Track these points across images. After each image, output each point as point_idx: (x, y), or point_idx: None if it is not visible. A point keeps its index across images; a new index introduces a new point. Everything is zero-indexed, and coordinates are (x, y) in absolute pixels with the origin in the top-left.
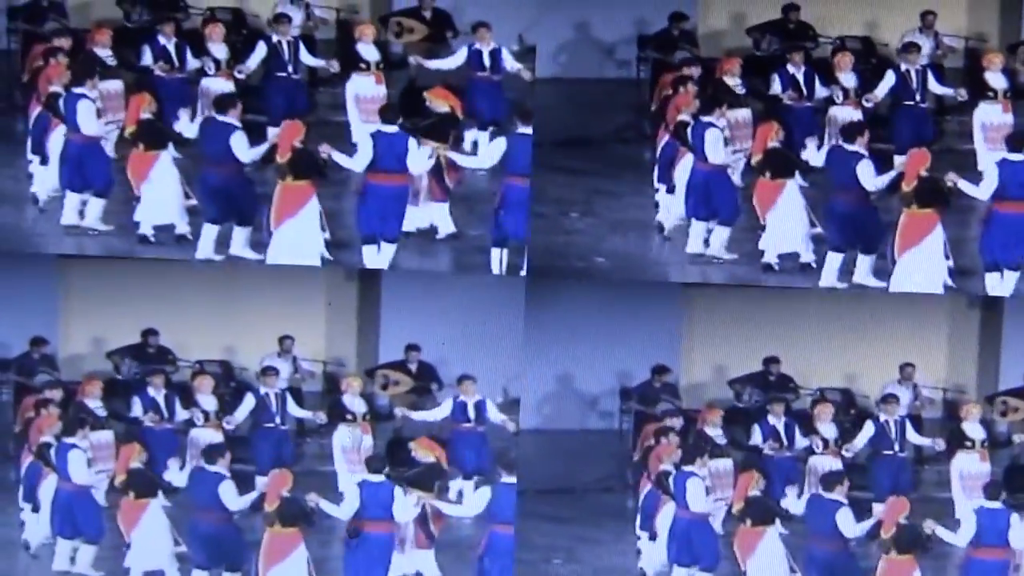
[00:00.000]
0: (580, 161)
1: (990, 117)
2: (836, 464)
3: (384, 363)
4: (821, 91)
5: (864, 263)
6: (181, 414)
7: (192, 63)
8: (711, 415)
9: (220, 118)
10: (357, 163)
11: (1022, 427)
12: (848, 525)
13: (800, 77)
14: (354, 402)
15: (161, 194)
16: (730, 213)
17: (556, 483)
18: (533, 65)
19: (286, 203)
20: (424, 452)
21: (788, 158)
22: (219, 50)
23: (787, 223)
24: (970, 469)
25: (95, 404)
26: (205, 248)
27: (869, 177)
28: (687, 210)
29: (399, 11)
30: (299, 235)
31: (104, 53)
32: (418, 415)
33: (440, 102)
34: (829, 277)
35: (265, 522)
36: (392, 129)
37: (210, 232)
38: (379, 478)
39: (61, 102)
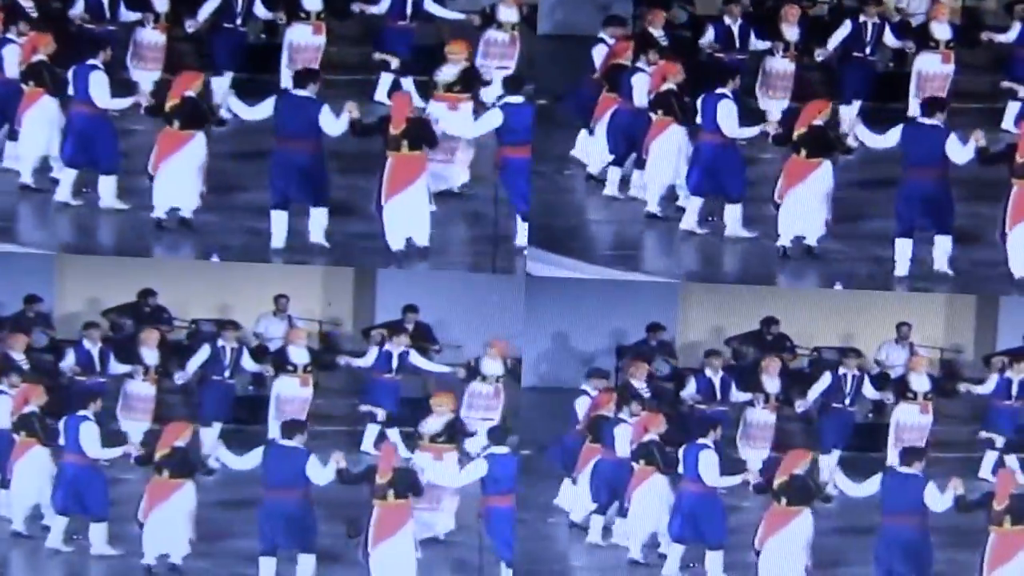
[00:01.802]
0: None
1: (928, 67)
2: (771, 418)
3: (381, 323)
4: (757, 44)
5: (943, 246)
6: (118, 368)
7: (128, 16)
8: (637, 369)
9: (299, 93)
10: (474, 129)
11: None
12: (935, 499)
13: (735, 30)
14: (297, 353)
15: (182, 176)
16: (739, 190)
17: (555, 441)
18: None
19: (399, 176)
20: (443, 406)
21: (831, 139)
22: (162, 3)
23: (808, 206)
24: (909, 420)
25: (19, 357)
26: (278, 238)
27: (957, 151)
28: (689, 186)
29: None
30: (409, 209)
31: (27, 5)
32: (357, 362)
33: (459, 55)
34: (902, 267)
35: (376, 495)
36: (518, 99)
37: (281, 220)
38: (504, 449)
39: (70, 74)
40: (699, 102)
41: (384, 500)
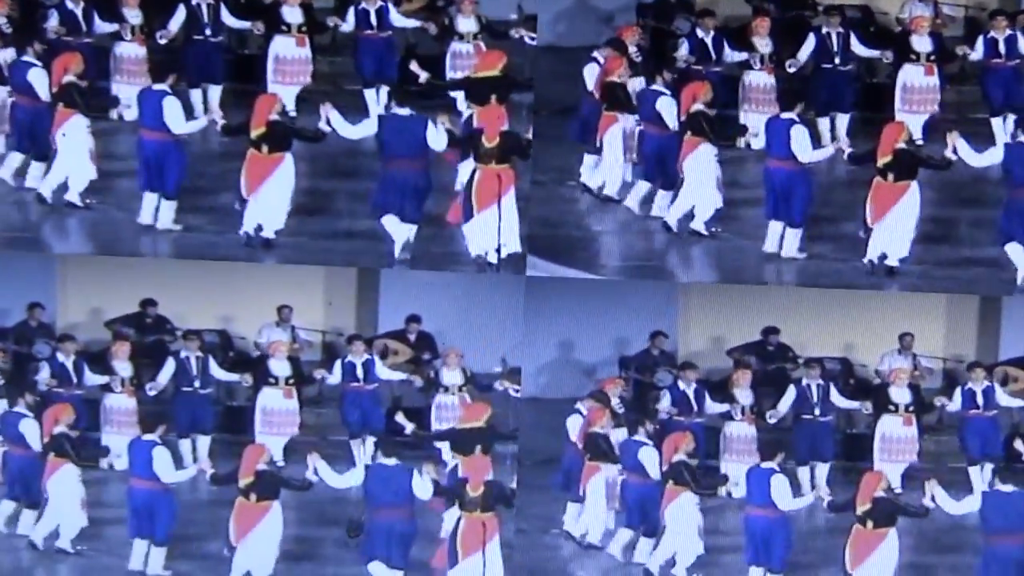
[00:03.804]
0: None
1: (911, 79)
2: (752, 431)
3: (384, 332)
4: (733, 56)
5: None
6: (93, 380)
7: (103, 28)
8: (612, 385)
9: (400, 111)
10: None
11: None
12: None
13: (709, 42)
14: (278, 366)
15: (278, 198)
16: (801, 216)
17: (555, 453)
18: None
19: (489, 189)
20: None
21: (916, 159)
22: (134, 15)
23: (900, 228)
24: (893, 432)
25: None
26: (405, 251)
27: None
28: (767, 212)
29: None
30: (498, 222)
31: (1, 21)
32: (329, 379)
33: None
34: None
35: (467, 508)
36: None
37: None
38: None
39: (136, 98)
40: (763, 127)
41: (471, 512)
